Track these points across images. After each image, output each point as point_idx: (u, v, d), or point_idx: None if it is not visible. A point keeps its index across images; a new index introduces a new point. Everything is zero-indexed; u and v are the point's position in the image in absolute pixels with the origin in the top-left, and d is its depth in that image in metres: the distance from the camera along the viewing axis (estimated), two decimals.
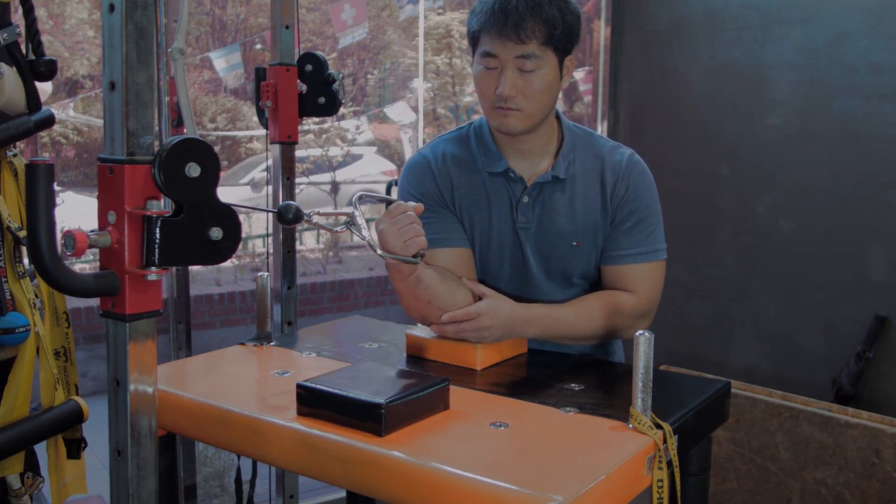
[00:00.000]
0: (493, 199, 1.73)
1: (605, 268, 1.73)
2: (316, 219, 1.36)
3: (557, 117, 1.75)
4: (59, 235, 0.98)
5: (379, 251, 1.44)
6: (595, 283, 1.80)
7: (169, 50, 1.43)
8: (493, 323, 1.59)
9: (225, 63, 6.73)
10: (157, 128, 2.19)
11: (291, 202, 1.32)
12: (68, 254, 0.98)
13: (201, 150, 1.01)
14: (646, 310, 1.71)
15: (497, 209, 1.73)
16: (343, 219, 1.45)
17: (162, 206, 1.02)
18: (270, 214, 2.15)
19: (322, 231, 7.74)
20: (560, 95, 1.69)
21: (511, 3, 1.56)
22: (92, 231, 1.00)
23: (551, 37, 1.57)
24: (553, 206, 1.71)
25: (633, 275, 1.70)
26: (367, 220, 1.50)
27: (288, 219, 1.31)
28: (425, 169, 1.75)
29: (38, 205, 0.97)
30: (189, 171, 1.00)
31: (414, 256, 1.49)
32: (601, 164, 1.72)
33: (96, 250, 1.01)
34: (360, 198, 1.47)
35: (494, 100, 1.62)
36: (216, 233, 1.04)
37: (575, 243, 1.72)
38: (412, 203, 1.53)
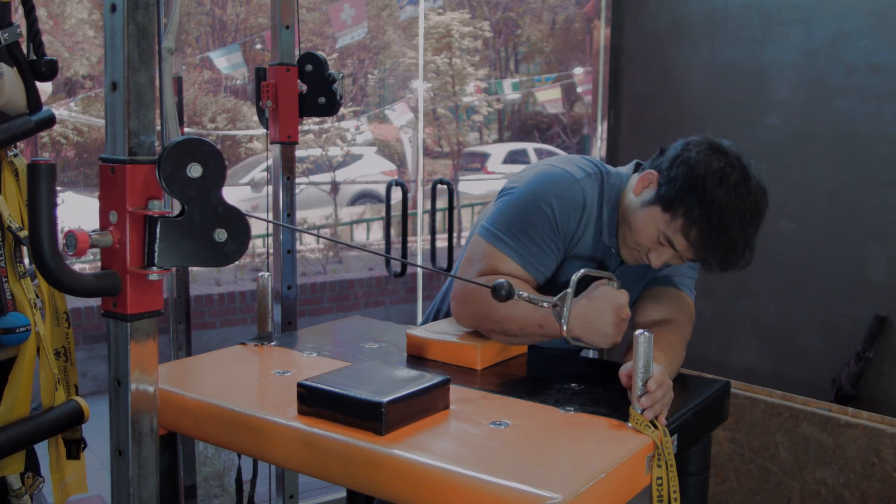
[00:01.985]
0: (596, 261, 1.72)
1: (646, 290, 1.76)
2: (527, 297, 1.41)
3: None
4: (60, 235, 0.99)
5: (566, 335, 1.46)
6: None
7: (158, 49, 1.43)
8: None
9: (227, 62, 6.74)
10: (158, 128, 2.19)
11: (504, 281, 1.35)
12: (70, 254, 0.98)
13: (204, 151, 1.01)
14: (689, 337, 1.71)
15: (593, 268, 1.72)
16: (552, 298, 1.45)
17: (164, 206, 1.02)
18: (271, 217, 2.15)
19: (322, 231, 7.75)
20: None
21: (733, 258, 1.55)
22: (93, 231, 1.00)
23: None
24: (628, 279, 1.72)
25: (675, 298, 1.73)
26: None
27: (500, 295, 1.35)
28: (578, 209, 1.66)
29: (41, 205, 0.97)
30: (190, 171, 1.00)
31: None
32: None
33: (96, 250, 1.01)
34: (581, 279, 1.44)
35: (643, 252, 1.63)
36: (221, 234, 1.04)
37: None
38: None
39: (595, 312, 1.49)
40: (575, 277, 1.43)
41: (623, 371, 1.39)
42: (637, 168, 1.73)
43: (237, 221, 1.05)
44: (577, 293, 1.46)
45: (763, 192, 1.55)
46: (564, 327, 1.44)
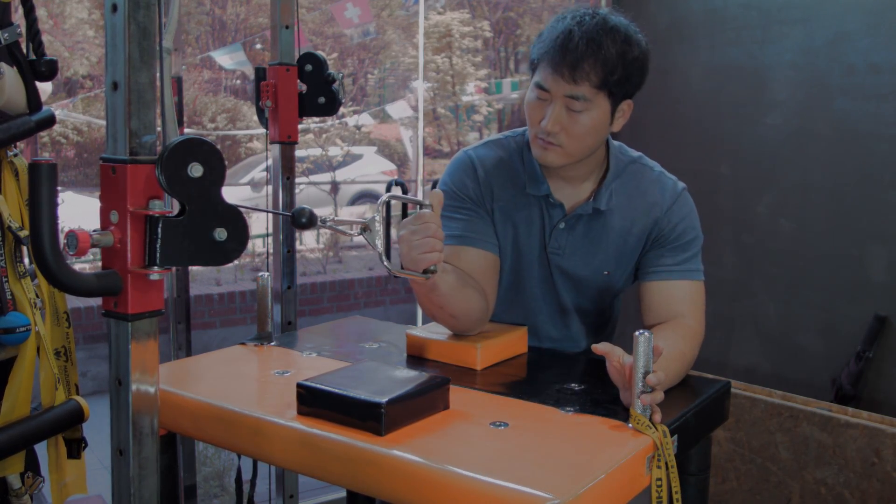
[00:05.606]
0: (531, 218, 1.71)
1: (648, 284, 1.66)
2: (330, 224, 1.34)
3: (606, 142, 1.71)
4: (61, 235, 0.99)
5: (386, 264, 1.40)
6: (615, 300, 1.82)
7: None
8: None
9: (230, 60, 6.76)
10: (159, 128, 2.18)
11: (305, 206, 1.31)
12: (71, 253, 0.99)
13: (204, 150, 1.01)
14: (702, 333, 1.64)
15: (531, 228, 1.71)
16: (359, 225, 1.39)
17: (165, 205, 1.02)
18: (271, 217, 2.15)
19: (322, 231, 7.74)
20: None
21: (572, 42, 1.52)
22: (94, 231, 1.00)
23: (606, 82, 1.54)
24: (589, 236, 1.69)
25: (680, 294, 1.64)
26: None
27: (301, 223, 1.30)
28: (470, 170, 1.71)
29: (42, 205, 0.97)
30: (191, 170, 1.00)
31: (424, 272, 1.45)
32: (643, 195, 1.69)
33: (97, 250, 1.01)
34: (387, 202, 1.42)
35: (538, 130, 1.59)
36: (220, 233, 1.04)
37: (606, 272, 1.71)
38: (435, 206, 1.46)
39: (401, 241, 1.46)
40: (380, 201, 1.41)
41: (613, 365, 1.36)
42: None
43: (236, 220, 1.05)
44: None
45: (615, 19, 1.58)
46: (382, 256, 1.39)
